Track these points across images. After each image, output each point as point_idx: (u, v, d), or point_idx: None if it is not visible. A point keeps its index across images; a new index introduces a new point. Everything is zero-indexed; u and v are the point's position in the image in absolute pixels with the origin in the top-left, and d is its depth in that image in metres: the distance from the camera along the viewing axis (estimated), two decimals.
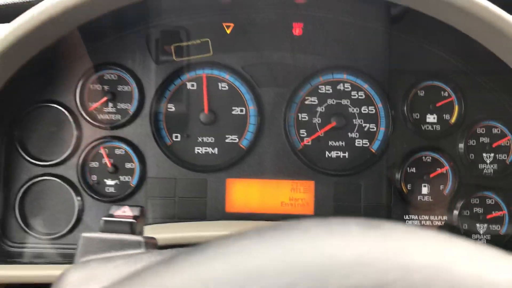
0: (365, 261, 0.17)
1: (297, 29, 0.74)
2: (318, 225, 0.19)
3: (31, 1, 0.70)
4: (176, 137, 0.74)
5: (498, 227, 0.73)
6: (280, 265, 0.17)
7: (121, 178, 0.73)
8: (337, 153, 0.74)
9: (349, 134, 0.74)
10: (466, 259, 0.18)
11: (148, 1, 0.67)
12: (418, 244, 0.19)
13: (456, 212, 0.72)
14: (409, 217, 0.73)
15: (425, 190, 0.74)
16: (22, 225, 0.71)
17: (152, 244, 0.38)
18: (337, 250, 0.17)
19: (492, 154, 0.74)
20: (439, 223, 0.73)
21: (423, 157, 0.74)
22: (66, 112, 0.71)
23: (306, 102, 0.74)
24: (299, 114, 0.74)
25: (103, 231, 0.38)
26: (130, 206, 0.42)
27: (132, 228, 0.38)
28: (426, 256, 0.17)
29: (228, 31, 0.74)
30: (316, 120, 0.74)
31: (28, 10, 0.57)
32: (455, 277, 0.16)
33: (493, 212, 0.73)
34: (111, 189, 0.73)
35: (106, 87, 0.73)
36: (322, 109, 0.74)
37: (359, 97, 0.74)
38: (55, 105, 0.71)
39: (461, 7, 0.56)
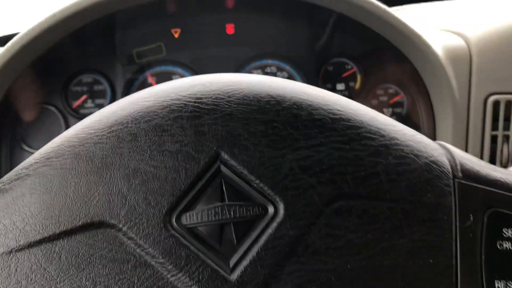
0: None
1: (229, 29, 0.95)
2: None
3: None
4: None
5: None
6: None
7: None
8: None
9: None
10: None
11: (114, 16, 0.86)
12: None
13: None
14: None
15: None
16: None
17: None
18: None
19: (390, 109, 0.95)
20: None
21: None
22: (55, 110, 0.91)
23: None
24: None
25: None
26: None
27: None
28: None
29: (176, 36, 0.95)
30: None
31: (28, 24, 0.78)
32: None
33: None
34: None
35: (85, 88, 0.93)
36: None
37: (283, 76, 0.95)
38: (47, 105, 0.91)
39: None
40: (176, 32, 0.94)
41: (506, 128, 0.82)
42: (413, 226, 0.31)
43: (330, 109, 0.33)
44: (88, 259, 0.29)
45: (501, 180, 0.33)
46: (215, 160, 0.30)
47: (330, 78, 0.95)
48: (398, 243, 0.31)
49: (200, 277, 0.29)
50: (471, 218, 0.32)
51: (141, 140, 0.31)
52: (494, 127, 0.82)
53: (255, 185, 0.30)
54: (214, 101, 0.32)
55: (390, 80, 0.95)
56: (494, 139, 0.83)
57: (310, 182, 0.31)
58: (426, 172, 0.32)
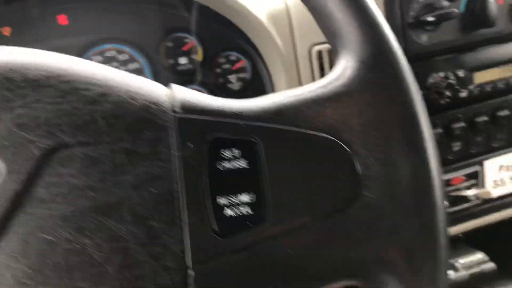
0: None
1: (62, 20, 0.94)
2: None
3: None
4: None
5: None
6: None
7: None
8: None
9: None
10: None
11: None
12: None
13: None
14: None
15: None
16: None
17: None
18: None
19: (234, 75, 0.99)
20: None
21: None
22: None
23: None
24: None
25: None
26: None
27: None
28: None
29: (7, 34, 0.92)
30: None
31: None
32: None
33: None
34: None
35: None
36: None
37: (125, 59, 0.96)
38: None
39: None
40: (5, 30, 0.92)
41: None
42: (135, 163, 0.34)
43: (44, 68, 0.34)
44: None
45: (218, 108, 0.37)
46: None
47: (172, 53, 0.97)
48: (121, 179, 0.33)
49: None
50: (191, 147, 0.35)
51: None
52: (322, 75, 0.88)
53: None
54: None
55: (229, 48, 0.98)
56: None
57: (28, 137, 0.32)
58: (144, 112, 0.35)
